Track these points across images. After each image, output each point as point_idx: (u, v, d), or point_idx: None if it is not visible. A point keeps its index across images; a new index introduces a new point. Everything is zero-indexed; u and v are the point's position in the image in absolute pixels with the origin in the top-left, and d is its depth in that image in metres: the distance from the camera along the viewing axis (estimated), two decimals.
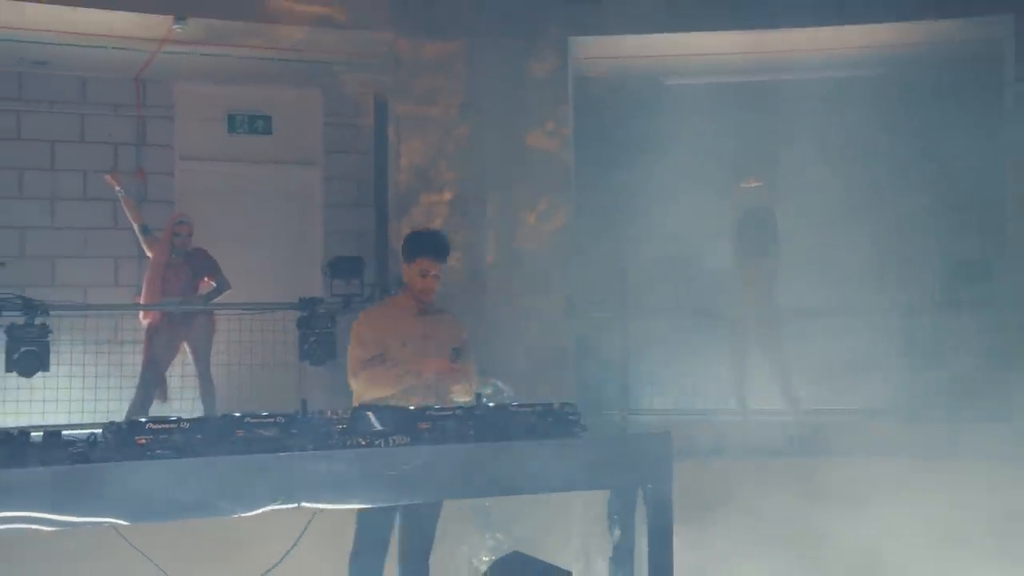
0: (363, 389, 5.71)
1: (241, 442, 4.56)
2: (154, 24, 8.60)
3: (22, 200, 9.83)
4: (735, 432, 8.96)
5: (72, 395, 8.79)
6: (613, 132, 9.44)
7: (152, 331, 9.16)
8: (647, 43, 9.25)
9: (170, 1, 8.39)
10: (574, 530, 8.14)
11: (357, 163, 10.07)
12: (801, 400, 9.21)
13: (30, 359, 7.97)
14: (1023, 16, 8.54)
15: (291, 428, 4.66)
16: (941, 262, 9.08)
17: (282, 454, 4.54)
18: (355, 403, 5.66)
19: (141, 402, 9.03)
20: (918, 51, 9.27)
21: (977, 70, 9.18)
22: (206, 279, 9.29)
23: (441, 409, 5.01)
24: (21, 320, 8.04)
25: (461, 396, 5.84)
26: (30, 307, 8.08)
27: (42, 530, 4.19)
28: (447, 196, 8.96)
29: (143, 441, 4.45)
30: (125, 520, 4.30)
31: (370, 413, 4.78)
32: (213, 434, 4.56)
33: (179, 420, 4.57)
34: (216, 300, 9.28)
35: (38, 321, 8.05)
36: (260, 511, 4.46)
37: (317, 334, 8.49)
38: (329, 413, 4.91)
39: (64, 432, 4.60)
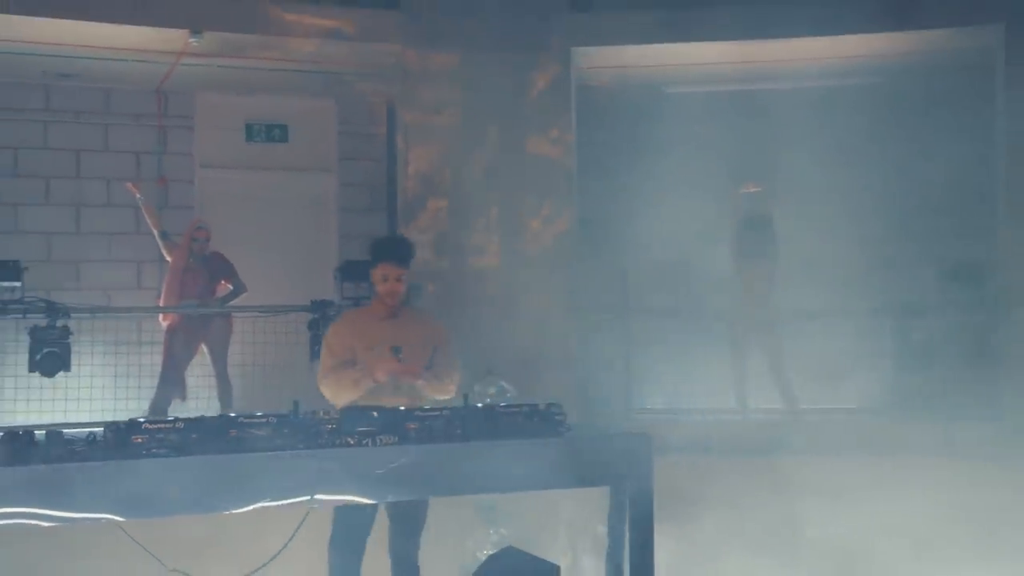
0: (330, 395, 5.76)
1: (234, 441, 4.62)
2: (172, 38, 8.68)
3: (48, 207, 9.95)
4: (734, 430, 8.96)
5: (93, 394, 8.86)
6: (615, 139, 9.46)
7: (171, 333, 9.24)
8: (648, 53, 9.25)
9: (185, 16, 8.46)
10: (565, 526, 8.17)
11: (370, 170, 10.13)
12: (798, 399, 9.19)
13: (52, 360, 8.04)
14: (1013, 25, 8.49)
15: (283, 428, 4.72)
16: (934, 265, 9.04)
17: (273, 453, 4.59)
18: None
19: (161, 401, 9.11)
20: (911, 59, 9.24)
21: (969, 77, 9.14)
22: (223, 282, 9.38)
23: (429, 409, 5.07)
24: (44, 322, 8.09)
25: (438, 395, 5.84)
26: (52, 310, 8.15)
27: (41, 525, 4.26)
28: (453, 201, 8.98)
29: (140, 440, 4.51)
30: (121, 516, 4.38)
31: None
32: (208, 433, 4.62)
33: (175, 420, 4.64)
34: (233, 303, 9.36)
35: (60, 323, 8.11)
36: (252, 508, 4.52)
37: None
38: (321, 413, 4.97)
39: (66, 431, 4.71)
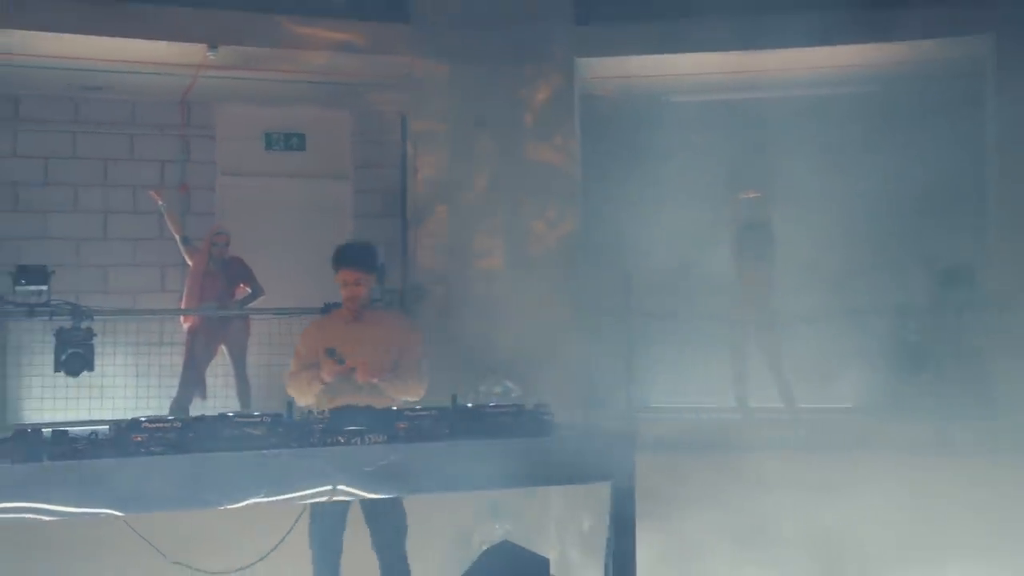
0: (294, 396, 5.80)
1: (230, 440, 4.67)
2: (190, 52, 8.78)
3: (77, 214, 10.08)
4: (735, 428, 8.96)
5: (116, 393, 8.97)
6: (619, 146, 9.47)
7: (192, 334, 9.34)
8: (649, 63, 9.27)
9: (202, 30, 8.55)
10: (560, 521, 8.21)
11: (384, 177, 10.19)
12: (797, 398, 9.18)
13: (76, 360, 8.15)
14: (1002, 35, 8.46)
15: (277, 427, 4.77)
16: (927, 267, 9.02)
17: (266, 451, 4.65)
18: None
19: (182, 400, 9.21)
20: (904, 68, 9.21)
21: (960, 86, 9.10)
22: (242, 286, 9.47)
23: (420, 409, 5.10)
24: (68, 324, 8.19)
25: (403, 395, 5.82)
26: (77, 312, 8.25)
27: (43, 519, 4.33)
28: (460, 206, 9.02)
29: (139, 439, 4.58)
30: (119, 511, 4.44)
31: None
32: (204, 432, 4.68)
33: (174, 419, 4.71)
34: (251, 305, 9.44)
35: (84, 325, 8.21)
36: (245, 504, 4.57)
37: None
38: (315, 413, 5.02)
39: (71, 429, 4.78)
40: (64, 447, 4.58)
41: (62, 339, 8.14)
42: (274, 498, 4.61)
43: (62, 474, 4.42)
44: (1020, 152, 8.46)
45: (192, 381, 9.27)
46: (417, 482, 4.88)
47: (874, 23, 8.68)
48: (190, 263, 9.48)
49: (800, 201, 9.09)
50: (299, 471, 4.65)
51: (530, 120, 9.11)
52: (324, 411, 4.98)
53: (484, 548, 7.69)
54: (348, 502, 5.56)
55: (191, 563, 5.23)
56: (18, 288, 8.22)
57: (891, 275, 9.35)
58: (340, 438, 4.78)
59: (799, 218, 9.16)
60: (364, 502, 5.57)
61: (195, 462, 4.55)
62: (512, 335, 8.66)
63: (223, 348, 9.42)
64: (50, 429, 4.75)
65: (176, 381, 9.30)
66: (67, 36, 8.49)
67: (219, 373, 9.46)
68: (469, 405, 5.21)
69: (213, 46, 8.65)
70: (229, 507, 4.55)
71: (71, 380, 8.45)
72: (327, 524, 5.75)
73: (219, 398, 9.29)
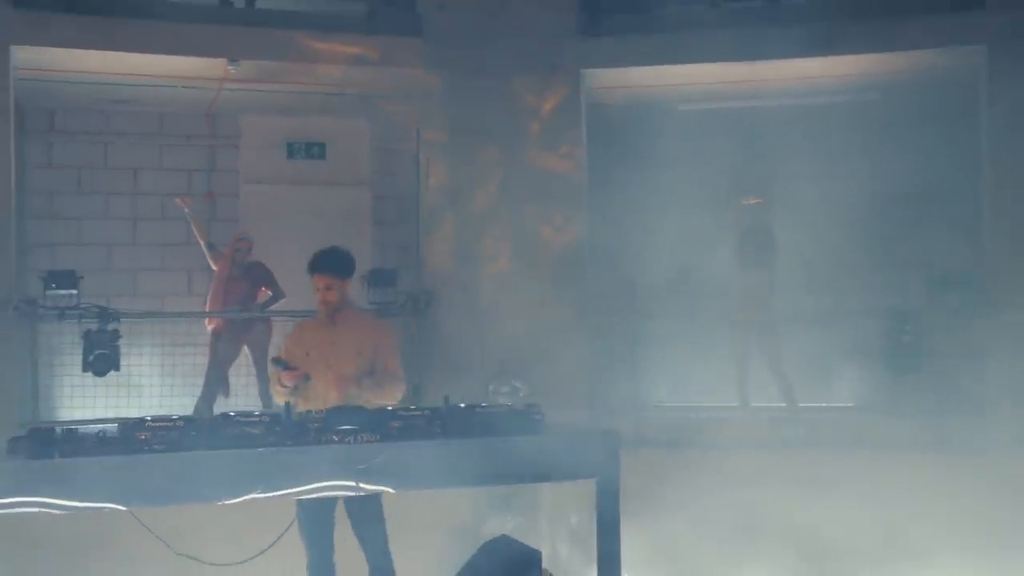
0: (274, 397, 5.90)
1: (229, 438, 4.78)
2: (212, 66, 8.90)
3: (108, 220, 10.21)
4: (737, 426, 8.99)
5: (144, 391, 9.10)
6: (625, 153, 9.50)
7: (216, 336, 9.48)
8: (654, 73, 9.28)
9: (222, 46, 8.65)
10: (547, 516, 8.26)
11: (400, 184, 10.23)
12: (797, 397, 9.19)
13: (103, 360, 8.27)
14: (994, 47, 8.44)
15: (275, 426, 4.87)
16: (924, 271, 9.01)
17: (263, 449, 4.74)
18: None
19: (207, 398, 9.34)
20: (901, 78, 9.19)
21: (954, 95, 9.08)
22: (263, 289, 9.59)
23: (414, 409, 5.18)
24: (96, 326, 8.32)
25: (381, 397, 5.84)
26: (104, 315, 8.38)
27: (52, 513, 4.45)
28: (471, 212, 9.09)
29: (144, 437, 4.69)
30: (122, 505, 4.55)
31: None
32: (205, 431, 4.79)
33: (177, 419, 4.81)
34: (272, 308, 9.55)
35: (111, 327, 8.33)
36: (243, 499, 4.67)
37: None
38: (313, 413, 5.10)
39: (80, 428, 4.90)
40: (74, 444, 4.71)
41: (89, 341, 8.26)
42: (270, 494, 4.71)
43: (71, 470, 4.54)
44: (1012, 160, 8.44)
45: (216, 380, 9.41)
46: (408, 479, 4.97)
47: (871, 34, 8.69)
48: (214, 268, 9.61)
49: (800, 206, 9.11)
50: (294, 468, 4.75)
51: (538, 129, 9.16)
52: (320, 411, 5.06)
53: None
54: (335, 499, 5.66)
55: (197, 555, 5.33)
56: (49, 292, 8.34)
57: (888, 277, 9.35)
58: (334, 437, 4.87)
59: (799, 223, 9.18)
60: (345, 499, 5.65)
61: (196, 459, 4.67)
62: (520, 337, 8.74)
63: (246, 349, 9.54)
64: (62, 427, 4.88)
65: (201, 380, 9.43)
66: (96, 53, 8.60)
67: (242, 373, 9.57)
68: (461, 405, 5.29)
69: (233, 61, 8.76)
70: (227, 502, 4.65)
71: (103, 379, 8.56)
72: (314, 520, 5.82)
73: (241, 396, 9.40)
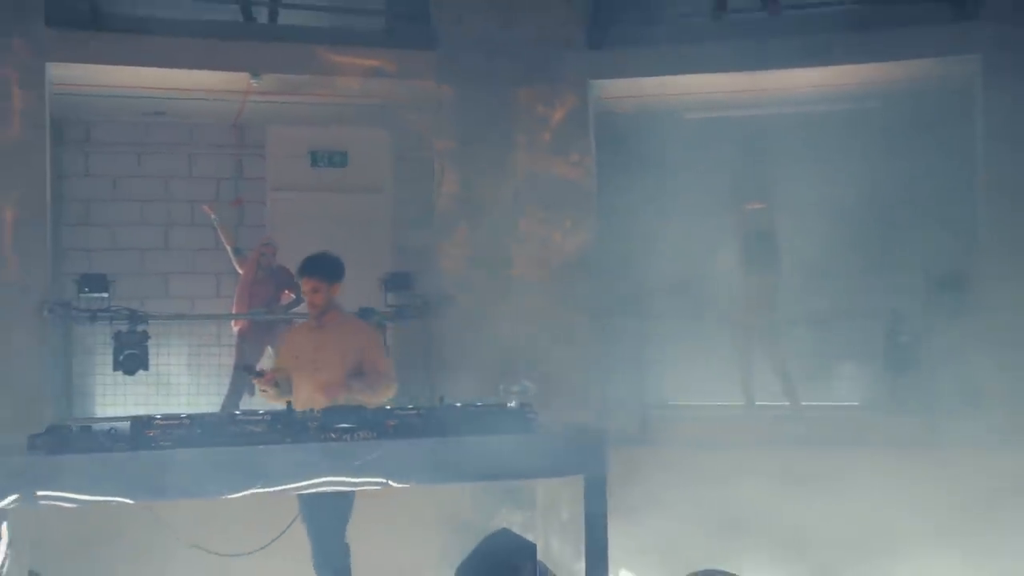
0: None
1: (232, 436, 4.88)
2: (236, 80, 9.04)
3: (141, 226, 10.43)
4: (742, 425, 9.02)
5: (173, 389, 9.27)
6: (633, 160, 9.52)
7: (242, 336, 9.63)
8: (659, 83, 9.32)
9: (245, 60, 8.78)
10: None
11: (419, 190, 10.28)
12: (799, 396, 9.19)
13: (132, 360, 8.46)
14: (989, 57, 8.43)
15: (276, 424, 4.96)
16: (922, 273, 9.00)
17: (263, 446, 4.84)
18: None
19: (233, 396, 9.47)
20: (899, 86, 9.19)
21: (951, 102, 9.03)
22: (287, 292, 9.71)
23: (411, 408, 5.27)
24: (126, 327, 8.49)
25: (373, 396, 5.87)
26: (134, 316, 8.55)
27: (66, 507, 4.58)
28: (483, 218, 9.16)
29: (151, 434, 4.80)
30: (130, 499, 4.67)
31: None
32: (209, 429, 4.89)
33: (184, 417, 4.92)
34: (295, 310, 9.67)
35: (140, 328, 8.51)
36: (244, 494, 4.77)
37: None
38: (314, 412, 5.19)
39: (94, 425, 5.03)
40: (87, 441, 4.83)
41: (120, 341, 8.46)
42: (270, 489, 4.81)
43: (83, 465, 4.66)
44: (1006, 165, 8.42)
45: (241, 380, 9.51)
46: (402, 474, 5.04)
47: (869, 45, 8.67)
48: (240, 272, 9.75)
49: (802, 211, 9.10)
50: (293, 465, 4.84)
51: (547, 138, 9.22)
52: (318, 410, 5.15)
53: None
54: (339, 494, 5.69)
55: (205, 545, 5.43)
56: (81, 295, 8.54)
57: (888, 280, 9.33)
58: (332, 434, 4.96)
59: (801, 227, 9.17)
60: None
61: (201, 455, 4.77)
62: (530, 337, 8.81)
63: (269, 349, 9.65)
64: (78, 425, 5.01)
65: (228, 379, 9.56)
66: (129, 68, 8.76)
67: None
68: (457, 404, 5.36)
69: (255, 74, 8.88)
70: (230, 496, 4.76)
71: (136, 377, 8.74)
72: (315, 514, 5.89)
73: None
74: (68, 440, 4.83)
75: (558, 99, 9.20)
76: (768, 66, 8.95)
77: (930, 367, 8.70)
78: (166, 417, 4.90)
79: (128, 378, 8.75)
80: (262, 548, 5.52)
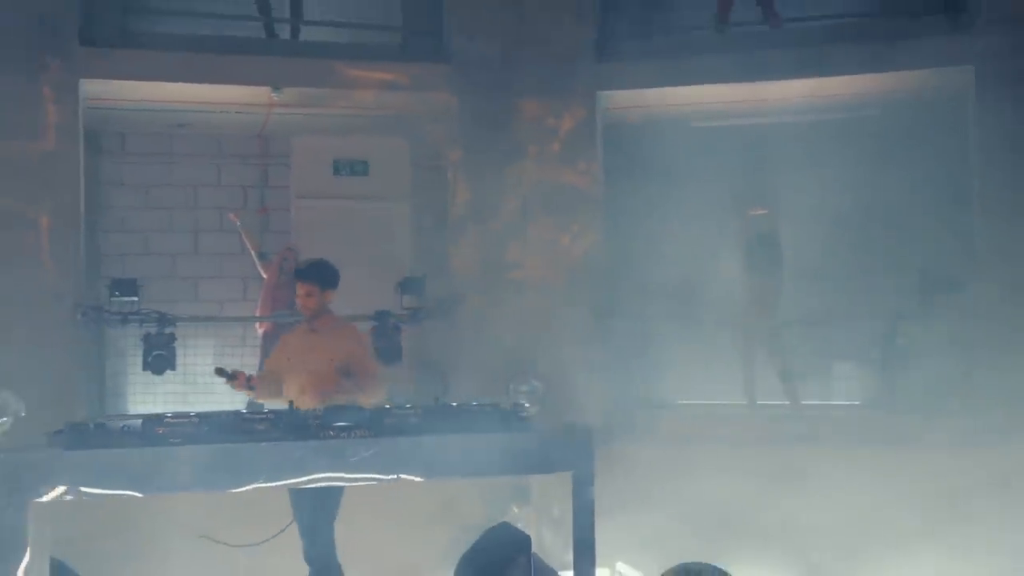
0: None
1: (236, 433, 5.04)
2: (258, 93, 9.22)
3: (172, 232, 10.60)
4: (744, 423, 9.07)
5: (198, 388, 9.46)
6: (640, 168, 9.61)
7: (266, 338, 9.78)
8: (665, 95, 9.40)
9: (265, 75, 8.94)
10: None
11: (437, 198, 10.42)
12: (800, 395, 9.23)
13: (160, 361, 8.64)
14: (981, 68, 8.45)
15: (279, 422, 5.12)
16: (918, 276, 9.02)
17: (265, 443, 4.99)
18: None
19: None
20: (895, 97, 9.22)
21: (946, 112, 9.05)
22: None
23: (409, 407, 5.39)
24: (154, 330, 8.68)
25: (363, 397, 5.96)
26: (162, 319, 8.74)
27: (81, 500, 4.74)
28: (495, 225, 9.28)
29: (162, 431, 4.97)
30: (140, 492, 4.83)
31: None
32: (216, 426, 5.05)
33: (193, 415, 5.08)
34: None
35: (167, 330, 8.69)
36: (247, 488, 4.92)
37: (386, 340, 8.87)
38: (316, 410, 5.34)
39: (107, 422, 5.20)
40: (102, 437, 5.00)
41: (148, 343, 8.64)
42: (272, 483, 4.96)
43: (97, 460, 4.83)
44: (999, 172, 8.44)
45: None
46: (397, 470, 5.17)
47: (866, 56, 8.72)
48: (264, 276, 9.92)
49: (802, 216, 9.15)
50: (294, 460, 4.99)
51: (557, 148, 9.32)
52: (318, 409, 5.29)
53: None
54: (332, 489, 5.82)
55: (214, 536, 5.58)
56: (112, 299, 8.73)
57: (885, 282, 9.36)
58: (331, 432, 5.10)
59: (802, 232, 9.22)
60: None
61: (207, 452, 4.92)
62: (539, 339, 8.90)
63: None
64: (94, 422, 5.18)
65: None
66: (158, 83, 8.98)
67: None
68: (453, 404, 5.49)
69: (276, 88, 9.05)
70: (234, 491, 4.91)
71: (166, 377, 8.91)
72: (304, 510, 6.01)
73: None
74: (84, 437, 5.01)
75: (567, 110, 9.30)
76: (769, 77, 9.00)
77: (927, 367, 8.68)
78: (176, 415, 5.06)
79: (158, 378, 8.93)
80: (266, 541, 5.65)
